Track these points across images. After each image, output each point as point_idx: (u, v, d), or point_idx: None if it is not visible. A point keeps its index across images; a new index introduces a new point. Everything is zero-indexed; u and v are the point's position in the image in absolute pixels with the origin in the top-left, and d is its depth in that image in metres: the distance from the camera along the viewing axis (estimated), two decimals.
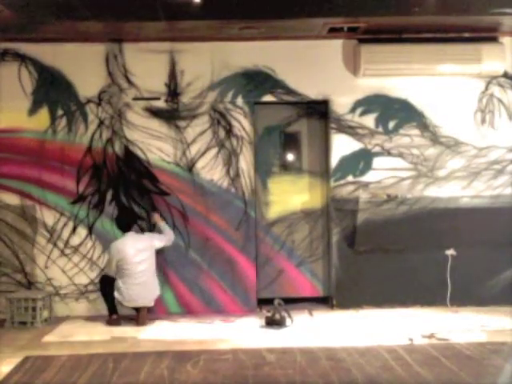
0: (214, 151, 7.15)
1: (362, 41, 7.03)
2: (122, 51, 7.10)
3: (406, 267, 7.13)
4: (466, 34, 7.02)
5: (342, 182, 7.17)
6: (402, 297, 7.10)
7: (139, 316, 6.52)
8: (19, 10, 6.04)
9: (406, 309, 7.02)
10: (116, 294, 6.51)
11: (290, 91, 7.16)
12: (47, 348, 5.82)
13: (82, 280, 7.08)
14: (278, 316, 6.36)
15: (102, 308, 6.83)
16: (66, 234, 7.09)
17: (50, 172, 7.07)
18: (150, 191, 7.11)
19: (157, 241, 6.70)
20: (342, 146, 7.16)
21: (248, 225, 7.13)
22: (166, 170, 7.12)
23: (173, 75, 7.12)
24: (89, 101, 7.10)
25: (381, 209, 6.98)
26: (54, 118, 7.08)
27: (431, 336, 5.89)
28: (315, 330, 6.25)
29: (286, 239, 7.31)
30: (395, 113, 7.19)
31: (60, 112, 7.09)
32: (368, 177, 7.16)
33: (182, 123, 7.14)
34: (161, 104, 7.12)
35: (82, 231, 7.10)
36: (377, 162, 7.16)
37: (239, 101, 7.15)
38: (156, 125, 7.12)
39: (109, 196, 7.09)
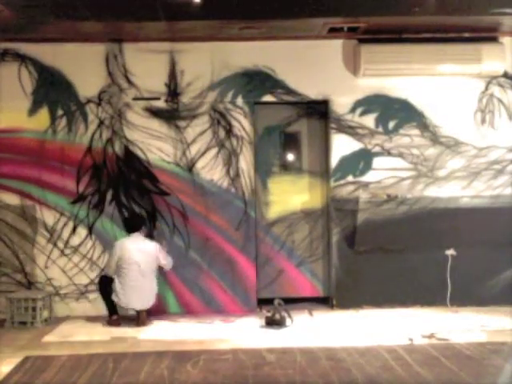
0: (214, 151, 7.15)
1: (362, 41, 7.03)
2: (122, 51, 7.10)
3: (406, 267, 7.13)
4: (466, 34, 7.02)
5: (341, 181, 7.17)
6: (402, 297, 7.10)
7: (139, 316, 6.51)
8: (19, 10, 6.04)
9: (406, 309, 7.02)
10: (113, 296, 6.51)
11: (289, 91, 7.16)
12: (47, 348, 5.82)
13: (82, 280, 7.08)
14: (277, 316, 6.36)
15: (102, 308, 6.82)
16: (66, 234, 7.09)
17: (49, 172, 7.07)
18: (150, 191, 7.11)
19: (161, 254, 6.63)
20: (341, 146, 7.17)
21: (248, 225, 7.13)
22: (166, 170, 7.12)
23: (173, 75, 7.12)
24: (89, 101, 7.10)
25: (381, 209, 6.98)
26: (54, 118, 7.08)
27: (431, 336, 5.89)
28: (315, 330, 6.25)
29: (286, 239, 7.31)
30: (395, 113, 7.19)
31: (60, 112, 7.09)
32: (368, 177, 7.16)
33: (182, 123, 7.14)
34: (161, 104, 7.12)
35: (82, 231, 7.10)
36: (377, 161, 7.16)
37: (239, 101, 7.15)
38: (156, 125, 7.12)
39: (109, 196, 7.09)
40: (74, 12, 6.04)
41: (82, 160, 7.08)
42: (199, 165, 7.13)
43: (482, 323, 6.37)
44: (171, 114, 7.12)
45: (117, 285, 6.48)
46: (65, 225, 7.09)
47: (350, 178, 7.17)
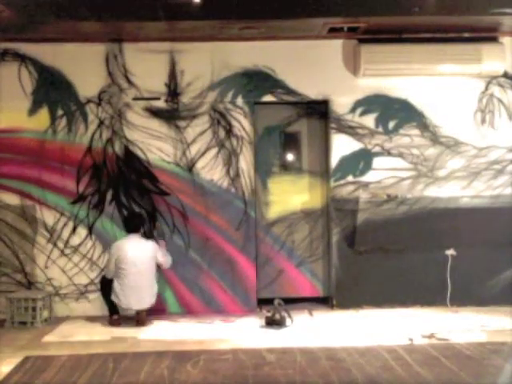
0: (214, 151, 7.15)
1: (362, 41, 7.03)
2: (122, 51, 7.10)
3: (406, 267, 7.13)
4: (466, 34, 7.02)
5: (342, 181, 7.17)
6: (402, 297, 7.10)
7: (139, 317, 6.51)
8: (19, 10, 6.04)
9: (406, 309, 7.02)
10: (113, 297, 6.51)
11: (290, 91, 7.16)
12: (47, 348, 5.82)
13: (82, 280, 7.08)
14: (277, 316, 6.36)
15: (102, 308, 6.83)
16: (66, 233, 7.09)
17: (50, 172, 7.07)
18: (150, 191, 7.11)
19: (160, 253, 6.64)
20: (342, 145, 7.17)
21: (248, 225, 7.13)
22: (166, 170, 7.12)
23: (173, 75, 7.12)
24: (89, 101, 7.10)
25: (381, 209, 6.98)
26: (54, 118, 7.08)
27: (431, 336, 5.89)
28: (315, 330, 6.25)
29: (286, 239, 7.31)
30: (395, 113, 7.19)
31: (60, 112, 7.09)
32: (368, 177, 7.16)
33: (182, 123, 7.14)
34: (161, 104, 7.12)
35: (82, 231, 7.10)
36: (377, 161, 7.16)
37: (239, 101, 7.16)
38: (156, 125, 7.12)
39: (109, 196, 7.09)
40: (74, 12, 6.04)
41: (81, 160, 7.08)
42: (199, 165, 7.13)
43: (482, 323, 6.37)
44: (171, 113, 7.12)
45: (116, 286, 6.48)
46: (65, 225, 7.09)
47: (350, 178, 7.17)
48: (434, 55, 6.95)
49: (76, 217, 7.09)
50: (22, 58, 7.05)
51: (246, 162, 7.15)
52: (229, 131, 7.16)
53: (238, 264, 7.13)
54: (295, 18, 6.44)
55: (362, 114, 7.18)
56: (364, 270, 7.15)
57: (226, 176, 7.14)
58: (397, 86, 7.15)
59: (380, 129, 7.19)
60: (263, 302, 7.06)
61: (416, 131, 7.19)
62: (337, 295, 7.19)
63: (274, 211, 7.33)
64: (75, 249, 7.09)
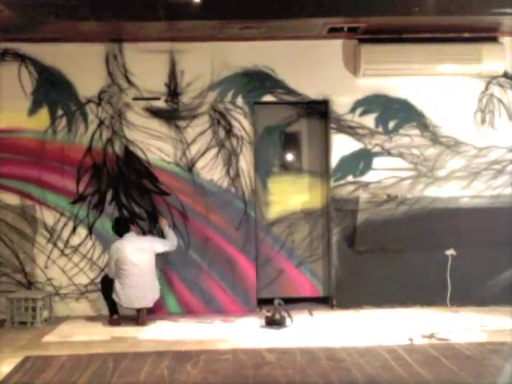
0: (214, 151, 7.15)
1: (362, 41, 7.03)
2: (122, 51, 7.10)
3: (406, 267, 7.13)
4: (466, 34, 7.02)
5: (342, 181, 7.17)
6: (402, 297, 7.10)
7: (139, 316, 6.52)
8: (19, 10, 6.04)
9: (406, 309, 7.02)
10: (114, 296, 6.50)
11: (289, 91, 7.16)
12: (47, 348, 5.82)
13: (82, 280, 7.08)
14: (277, 316, 6.36)
15: (102, 308, 6.84)
16: (66, 233, 7.09)
17: (50, 172, 7.07)
18: (150, 191, 7.11)
19: (158, 244, 6.68)
20: (342, 146, 7.17)
21: (248, 225, 7.13)
22: (166, 170, 7.12)
23: (173, 75, 7.12)
24: (89, 101, 7.10)
25: (381, 209, 6.98)
26: (54, 118, 7.08)
27: (431, 336, 5.89)
28: (315, 330, 6.25)
29: (286, 239, 7.31)
30: (395, 113, 7.19)
31: (60, 112, 7.10)
32: (368, 177, 7.16)
33: (182, 123, 7.14)
34: (161, 104, 7.12)
35: (82, 231, 7.10)
36: (377, 161, 7.16)
37: (239, 101, 7.16)
38: (156, 125, 7.12)
39: (109, 196, 7.09)
40: (74, 12, 6.04)
41: (81, 160, 7.08)
42: (199, 165, 7.13)
43: (482, 323, 6.37)
44: (171, 113, 7.12)
45: (117, 285, 6.48)
46: (65, 225, 7.09)
47: (350, 178, 7.17)
48: (433, 55, 6.95)
49: (76, 217, 7.09)
50: (22, 58, 7.05)
51: (245, 162, 7.15)
52: (229, 131, 7.16)
53: (238, 264, 7.13)
54: (295, 18, 6.44)
55: (362, 114, 7.18)
56: (364, 270, 7.15)
57: (226, 176, 7.14)
58: (397, 86, 7.15)
59: (380, 129, 7.19)
60: (263, 302, 7.07)
61: (416, 131, 7.19)
62: (337, 295, 7.19)
63: (273, 211, 7.33)
64: (75, 249, 7.09)
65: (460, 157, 7.21)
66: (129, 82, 7.10)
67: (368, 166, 7.17)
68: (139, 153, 7.11)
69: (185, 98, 7.13)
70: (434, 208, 6.96)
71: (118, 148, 7.11)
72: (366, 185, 7.15)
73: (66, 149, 7.08)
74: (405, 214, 6.98)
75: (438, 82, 7.16)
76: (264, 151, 7.32)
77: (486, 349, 5.45)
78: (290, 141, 7.40)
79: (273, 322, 6.36)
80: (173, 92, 7.12)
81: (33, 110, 7.08)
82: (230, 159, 7.15)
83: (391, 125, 7.19)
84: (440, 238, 7.04)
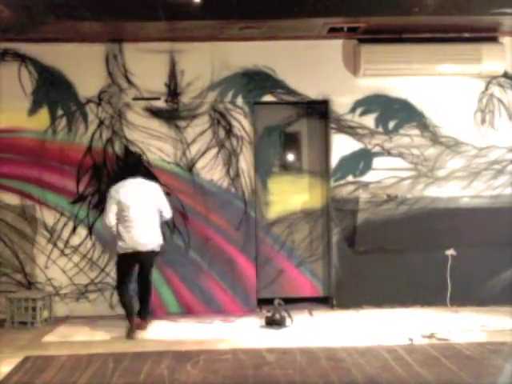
0: (214, 151, 7.15)
1: (362, 41, 7.03)
2: (122, 51, 7.10)
3: (406, 267, 7.13)
4: (466, 34, 7.02)
5: (342, 181, 7.17)
6: (402, 297, 7.10)
7: (139, 322, 6.24)
8: (19, 10, 6.04)
9: (406, 309, 7.02)
10: (119, 243, 6.18)
11: (290, 91, 7.16)
12: (47, 348, 5.82)
13: (82, 280, 7.08)
14: (277, 316, 6.36)
15: (102, 308, 6.85)
16: (66, 234, 7.08)
17: (50, 172, 7.06)
18: None
19: (164, 199, 6.36)
20: (342, 145, 7.17)
21: (248, 225, 7.13)
22: (166, 170, 7.12)
23: (173, 75, 7.12)
24: (89, 101, 7.09)
25: (381, 209, 6.98)
26: (54, 118, 7.08)
27: (431, 336, 5.89)
28: (315, 330, 6.25)
29: (286, 239, 7.31)
30: (395, 113, 7.19)
31: (60, 112, 7.09)
32: (368, 177, 7.16)
33: (182, 123, 7.14)
34: (161, 104, 7.12)
35: (82, 231, 7.10)
36: (377, 161, 7.16)
37: (239, 101, 7.15)
38: (156, 125, 7.12)
39: None
40: (74, 12, 6.04)
41: (82, 160, 7.08)
42: (199, 165, 7.13)
43: (482, 323, 6.37)
44: (171, 113, 7.12)
45: (120, 229, 6.17)
46: (65, 225, 7.08)
47: (350, 178, 7.17)
48: (433, 55, 6.95)
49: (76, 217, 7.09)
50: (22, 58, 7.05)
51: (245, 161, 7.15)
52: (229, 131, 7.16)
53: (238, 264, 7.13)
54: (295, 18, 6.44)
55: (362, 114, 7.18)
56: (364, 270, 7.15)
57: (226, 176, 7.14)
58: (397, 86, 7.15)
59: (380, 129, 7.19)
60: (263, 302, 7.06)
61: (416, 131, 7.19)
62: (337, 295, 7.19)
63: (274, 211, 7.33)
64: (75, 249, 7.09)
65: (460, 157, 7.21)
66: (129, 82, 7.10)
67: (368, 166, 7.17)
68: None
69: (185, 98, 7.13)
70: (434, 208, 6.96)
71: (118, 148, 7.10)
72: (365, 185, 7.15)
73: (65, 149, 7.07)
74: (405, 214, 6.98)
75: (438, 82, 7.16)
76: (264, 151, 7.32)
77: (485, 349, 5.45)
78: (290, 141, 7.40)
79: (273, 322, 6.36)
80: (173, 92, 7.12)
81: (33, 110, 7.07)
82: (230, 159, 7.15)
83: (391, 125, 7.19)
84: (440, 238, 7.04)
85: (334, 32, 6.93)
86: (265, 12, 6.20)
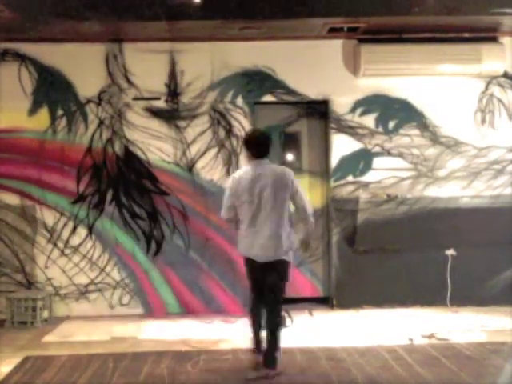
0: (213, 151, 7.15)
1: (362, 41, 7.03)
2: (122, 51, 7.09)
3: (406, 267, 7.13)
4: (466, 34, 7.01)
5: (342, 181, 7.17)
6: (402, 297, 7.10)
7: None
8: (19, 10, 6.04)
9: (406, 309, 7.01)
10: (239, 246, 5.20)
11: (290, 91, 7.16)
12: (47, 348, 5.82)
13: (82, 280, 7.08)
14: None
15: (102, 308, 6.85)
16: (66, 234, 7.08)
17: (49, 172, 7.06)
18: (150, 191, 7.11)
19: (300, 192, 5.03)
20: (342, 145, 7.16)
21: None
22: (166, 170, 7.12)
23: (173, 75, 7.12)
24: (89, 101, 7.09)
25: (381, 209, 6.98)
26: (54, 118, 7.08)
27: (431, 336, 5.90)
28: (315, 330, 6.25)
29: None
30: (395, 113, 7.19)
31: (60, 112, 7.09)
32: (368, 177, 7.16)
33: (182, 123, 7.13)
34: (161, 104, 7.12)
35: (82, 231, 7.10)
36: (377, 161, 7.16)
37: (239, 101, 7.15)
38: (156, 125, 7.12)
39: (109, 196, 7.09)
40: (74, 12, 6.04)
41: (82, 160, 7.07)
42: (199, 165, 7.13)
43: (482, 323, 6.37)
44: (171, 113, 7.12)
45: (241, 228, 5.10)
46: (65, 225, 7.08)
47: (350, 178, 7.17)
48: (433, 55, 6.95)
49: (76, 217, 7.08)
50: (22, 58, 7.05)
51: (246, 162, 7.14)
52: (229, 131, 7.15)
53: (238, 264, 7.11)
54: (295, 18, 6.44)
55: (362, 114, 7.18)
56: (364, 270, 7.14)
57: (226, 176, 7.13)
58: (397, 86, 7.14)
59: (380, 129, 7.19)
60: None
61: (416, 131, 7.19)
62: (337, 295, 7.19)
63: None
64: (75, 249, 7.09)
65: (460, 157, 7.21)
66: (129, 82, 7.10)
67: (368, 166, 7.16)
68: (139, 153, 7.10)
69: (185, 98, 7.13)
70: (434, 208, 6.96)
71: (118, 148, 7.10)
72: (365, 185, 7.15)
73: (65, 149, 7.07)
74: (405, 214, 6.98)
75: (438, 82, 7.16)
76: None
77: (485, 349, 5.45)
78: (290, 141, 7.40)
79: None
80: (173, 92, 7.12)
81: (33, 110, 7.07)
82: (230, 159, 7.15)
83: (391, 125, 7.19)
84: (440, 238, 7.04)
85: (333, 32, 6.93)
86: (265, 12, 6.19)
